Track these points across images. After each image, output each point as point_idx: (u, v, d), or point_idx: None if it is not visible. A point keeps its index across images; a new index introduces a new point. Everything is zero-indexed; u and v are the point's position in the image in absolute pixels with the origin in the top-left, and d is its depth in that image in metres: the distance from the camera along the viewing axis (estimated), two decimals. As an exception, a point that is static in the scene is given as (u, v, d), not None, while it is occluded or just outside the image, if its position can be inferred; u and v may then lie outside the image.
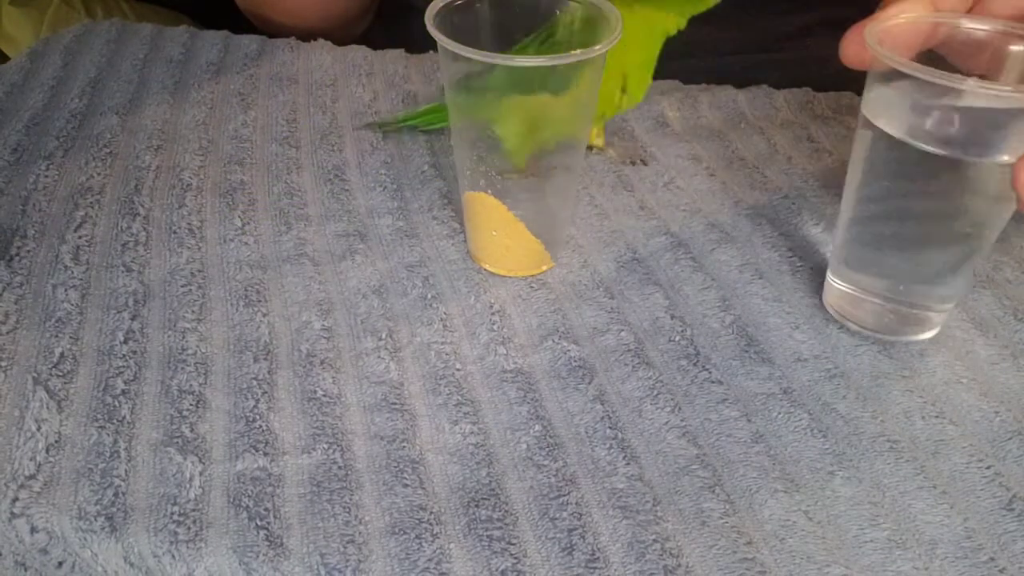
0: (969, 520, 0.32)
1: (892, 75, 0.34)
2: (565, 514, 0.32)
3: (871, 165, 0.36)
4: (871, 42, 0.34)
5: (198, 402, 0.36)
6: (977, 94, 0.32)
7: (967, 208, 0.35)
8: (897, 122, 0.34)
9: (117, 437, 0.35)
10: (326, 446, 0.34)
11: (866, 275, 0.38)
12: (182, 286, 0.42)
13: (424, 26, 0.36)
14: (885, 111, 0.35)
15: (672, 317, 0.41)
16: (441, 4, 0.38)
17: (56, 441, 0.34)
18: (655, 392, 0.37)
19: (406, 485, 0.33)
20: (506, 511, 0.32)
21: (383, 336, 0.39)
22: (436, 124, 0.54)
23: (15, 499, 0.32)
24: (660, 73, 0.47)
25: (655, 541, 0.31)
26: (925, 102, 0.34)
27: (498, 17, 0.39)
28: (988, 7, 0.36)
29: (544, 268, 0.43)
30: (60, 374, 0.37)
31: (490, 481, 0.33)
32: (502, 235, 0.42)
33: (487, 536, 0.32)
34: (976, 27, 0.35)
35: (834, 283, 0.40)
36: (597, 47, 0.36)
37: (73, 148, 0.52)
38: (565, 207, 0.43)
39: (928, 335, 0.39)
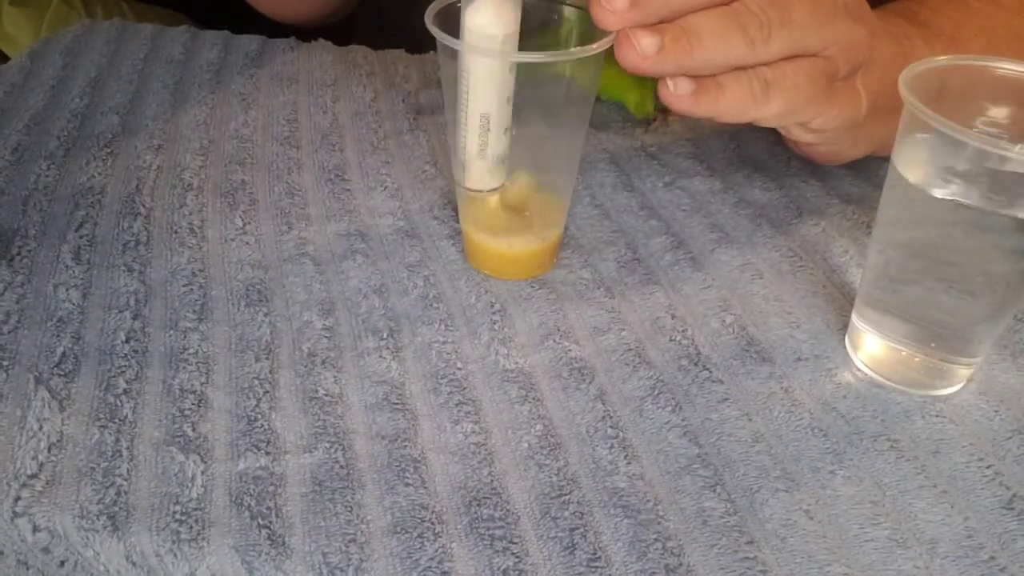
0: (970, 519, 0.32)
1: (925, 126, 0.32)
2: (567, 513, 0.32)
3: (899, 212, 0.34)
4: (907, 95, 0.32)
5: (200, 401, 0.36)
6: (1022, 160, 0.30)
7: (996, 260, 0.33)
8: (927, 174, 0.33)
9: (119, 436, 0.35)
10: (328, 445, 0.35)
11: (890, 318, 0.36)
12: (183, 286, 0.42)
13: (423, 25, 0.36)
14: (915, 162, 0.33)
15: (673, 317, 0.41)
16: (442, 4, 0.38)
17: (58, 440, 0.34)
18: (656, 391, 0.37)
19: (408, 484, 0.33)
20: (507, 510, 0.32)
21: (384, 336, 0.39)
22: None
23: (17, 498, 0.32)
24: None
25: (656, 540, 0.31)
26: (960, 161, 0.32)
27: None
28: None
29: (544, 269, 0.43)
30: (62, 373, 0.37)
31: (491, 480, 0.33)
32: (502, 237, 0.42)
33: (489, 535, 0.32)
34: (1011, 68, 0.34)
35: (859, 325, 0.38)
36: (595, 44, 0.36)
37: (74, 148, 0.52)
38: (564, 206, 0.43)
39: (953, 388, 0.37)
